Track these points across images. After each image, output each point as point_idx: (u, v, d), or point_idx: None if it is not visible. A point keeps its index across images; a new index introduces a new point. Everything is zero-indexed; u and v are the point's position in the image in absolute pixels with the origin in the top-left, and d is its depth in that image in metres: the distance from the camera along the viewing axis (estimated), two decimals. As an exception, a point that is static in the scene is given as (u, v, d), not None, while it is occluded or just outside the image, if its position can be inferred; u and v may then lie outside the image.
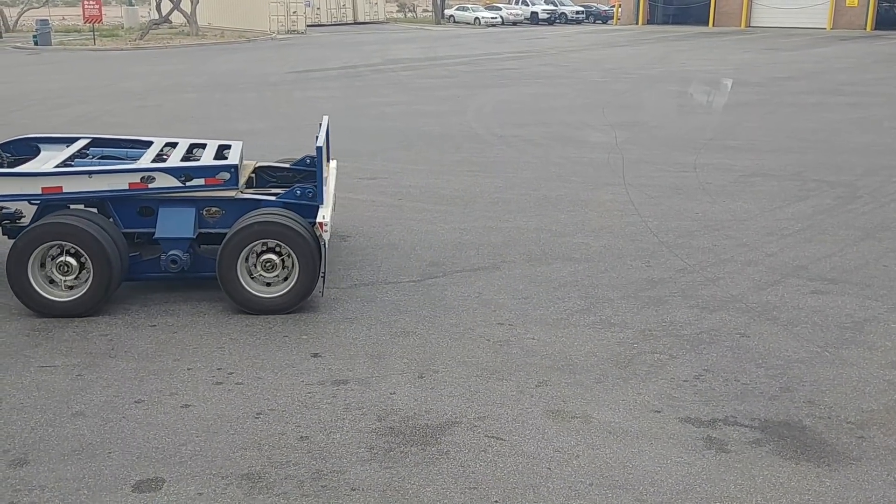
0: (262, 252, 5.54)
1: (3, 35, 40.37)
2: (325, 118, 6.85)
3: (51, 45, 34.36)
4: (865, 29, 40.81)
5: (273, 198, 6.05)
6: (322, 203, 5.83)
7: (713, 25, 45.78)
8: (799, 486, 3.57)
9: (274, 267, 5.55)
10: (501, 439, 3.95)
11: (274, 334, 5.21)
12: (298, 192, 6.04)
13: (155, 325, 5.36)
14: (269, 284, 5.59)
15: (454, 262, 6.60)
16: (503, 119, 14.31)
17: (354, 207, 8.35)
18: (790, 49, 30.39)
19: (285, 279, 5.58)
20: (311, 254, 5.48)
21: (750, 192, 8.89)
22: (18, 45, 35.31)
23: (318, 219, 5.57)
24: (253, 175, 6.77)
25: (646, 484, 3.58)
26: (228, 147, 6.66)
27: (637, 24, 49.54)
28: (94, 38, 36.04)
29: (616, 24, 50.82)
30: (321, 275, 5.58)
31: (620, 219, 7.85)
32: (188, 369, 4.72)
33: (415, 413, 4.21)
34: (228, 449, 3.87)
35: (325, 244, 5.57)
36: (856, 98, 16.66)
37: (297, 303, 5.56)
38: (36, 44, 34.14)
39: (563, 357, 4.87)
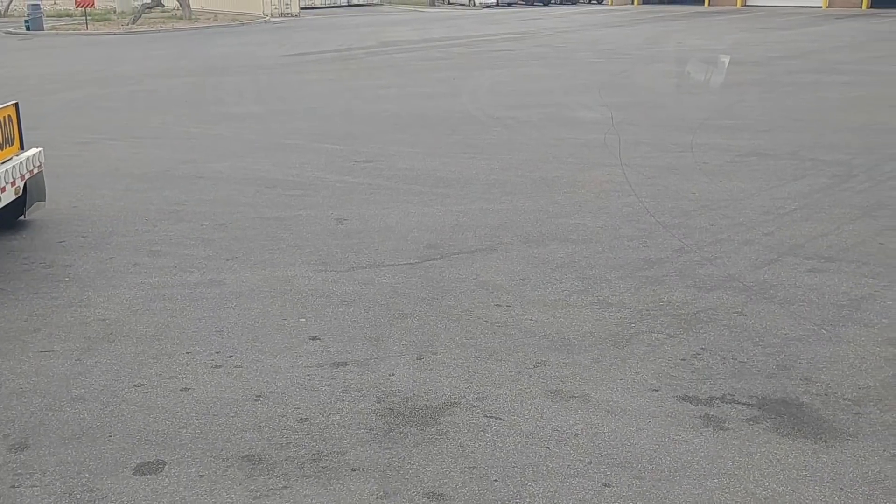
0: None
1: (-5, 20, 40.06)
2: None
3: (43, 30, 34.15)
4: (861, 7, 40.65)
5: None
6: None
7: (709, 5, 45.57)
8: (796, 463, 3.59)
9: None
10: (500, 419, 3.97)
11: (272, 318, 5.22)
12: None
13: (152, 310, 5.36)
14: None
15: (451, 245, 6.60)
16: (499, 101, 14.27)
17: (351, 191, 8.34)
18: (786, 28, 30.29)
19: None
20: None
21: (746, 171, 8.89)
22: (10, 30, 35.09)
23: None
24: None
25: (644, 462, 3.61)
26: None
27: (632, 4, 49.31)
28: (87, 23, 35.81)
29: (611, 5, 50.58)
30: None
31: (617, 199, 7.85)
32: (187, 353, 4.73)
33: (414, 394, 4.22)
34: (228, 431, 3.89)
35: None
36: (852, 77, 16.63)
37: None
38: (28, 29, 33.93)
39: (560, 337, 4.89)
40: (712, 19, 35.63)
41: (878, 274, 5.82)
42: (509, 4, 53.12)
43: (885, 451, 3.66)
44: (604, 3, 53.32)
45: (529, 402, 4.14)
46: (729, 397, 4.15)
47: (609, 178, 8.65)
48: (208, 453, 3.71)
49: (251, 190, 8.42)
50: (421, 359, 4.62)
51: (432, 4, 55.55)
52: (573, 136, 10.94)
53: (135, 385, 4.35)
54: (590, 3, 54.89)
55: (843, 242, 6.51)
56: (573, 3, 53.94)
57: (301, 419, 3.99)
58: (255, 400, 4.18)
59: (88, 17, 36.85)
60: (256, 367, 4.55)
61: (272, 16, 44.00)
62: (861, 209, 7.39)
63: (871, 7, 40.46)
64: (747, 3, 44.58)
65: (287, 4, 45.70)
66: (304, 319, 5.19)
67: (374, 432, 3.87)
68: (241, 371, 4.50)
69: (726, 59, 19.48)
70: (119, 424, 3.96)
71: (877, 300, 5.36)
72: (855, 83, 15.69)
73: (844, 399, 4.12)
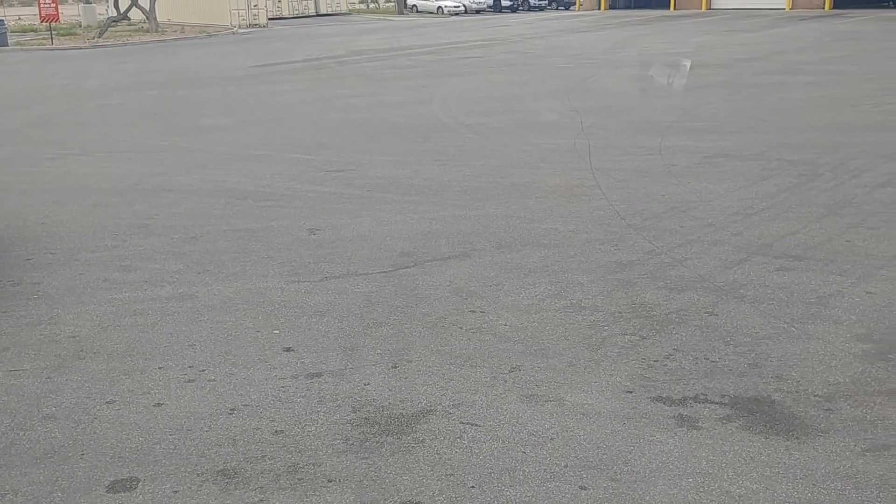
0: None
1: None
2: None
3: (7, 45, 33.75)
4: (824, 8, 41.30)
5: None
6: None
7: (674, 9, 46.06)
8: (769, 460, 3.63)
9: None
10: (476, 425, 3.98)
11: (245, 330, 5.19)
12: None
13: (123, 326, 5.31)
14: None
15: (425, 252, 6.60)
16: (469, 107, 14.31)
17: (323, 200, 8.32)
18: (750, 30, 30.68)
19: None
20: None
21: (714, 172, 8.98)
22: (-27, 46, 34.61)
23: None
24: None
25: (619, 463, 3.63)
26: None
27: (599, 9, 49.70)
28: (52, 38, 35.44)
29: (578, 10, 50.96)
30: None
31: (588, 203, 7.90)
32: (159, 368, 4.69)
33: (389, 403, 4.22)
34: (203, 446, 3.86)
35: None
36: (815, 77, 16.88)
37: None
38: (-9, 44, 33.50)
39: (535, 342, 4.91)
40: (678, 23, 36.02)
41: (846, 271, 5.91)
42: (477, 12, 53.34)
43: (856, 446, 3.71)
44: (571, 8, 53.70)
45: (505, 407, 4.15)
46: (702, 397, 4.19)
47: (580, 183, 8.70)
48: (182, 469, 3.68)
49: (222, 202, 8.37)
50: (396, 367, 4.61)
51: (400, 13, 55.65)
52: (544, 142, 10.99)
53: (107, 402, 4.30)
54: (557, 8, 55.26)
55: (811, 241, 6.60)
56: (540, 10, 54.28)
57: (276, 431, 3.97)
58: (230, 413, 4.15)
59: (53, 32, 36.47)
60: (230, 380, 4.52)
61: (240, 27, 43.83)
62: (827, 208, 7.49)
63: (834, 8, 41.13)
64: (712, 6, 45.13)
65: (255, 15, 45.56)
66: (277, 331, 5.17)
67: (350, 442, 3.86)
68: (214, 385, 4.47)
69: (688, 63, 19.70)
70: (91, 442, 3.91)
71: (845, 297, 5.44)
72: (819, 83, 15.92)
73: (815, 395, 4.17)
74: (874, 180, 8.39)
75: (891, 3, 40.74)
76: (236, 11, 45.10)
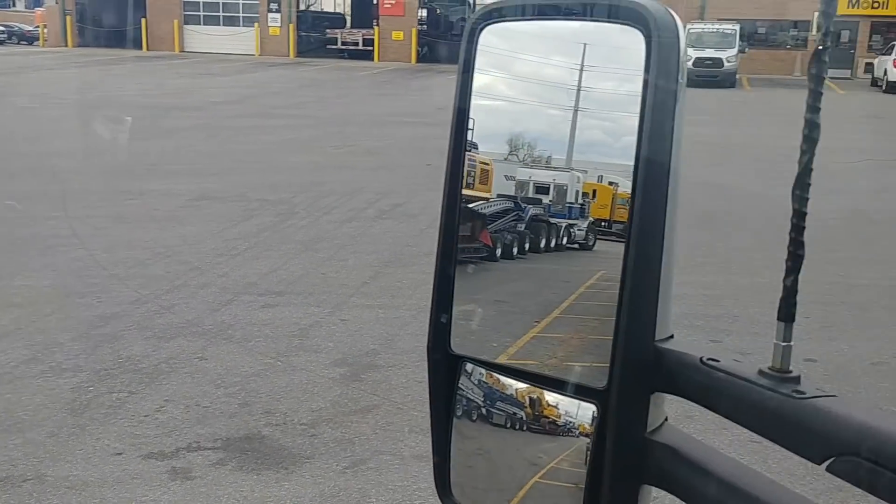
0: None
1: None
2: None
3: None
4: (289, 56, 44.62)
5: None
6: None
7: (148, 49, 45.53)
8: (261, 496, 3.76)
9: None
10: (-64, 528, 3.42)
11: None
12: None
13: None
14: None
15: None
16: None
17: None
18: (224, 74, 31.75)
19: None
20: None
21: (198, 215, 9.07)
22: None
23: None
24: None
25: (113, 533, 3.43)
26: None
27: (66, 45, 46.87)
28: None
29: (43, 46, 47.42)
30: None
31: (65, 254, 7.36)
32: None
33: None
34: None
35: None
36: (287, 120, 18.11)
37: None
38: None
39: (9, 416, 4.39)
40: (152, 64, 35.68)
41: (323, 302, 6.43)
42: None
43: (337, 465, 4.04)
44: (35, 43, 49.72)
45: (-28, 499, 3.64)
46: (195, 445, 4.17)
47: (54, 233, 8.06)
48: None
49: None
50: None
51: None
52: (9, 189, 9.95)
53: None
54: (19, 43, 50.70)
55: (291, 276, 7.05)
56: (1, 44, 49.28)
57: None
58: None
59: None
60: None
61: None
62: (304, 244, 8.08)
63: (298, 56, 44.70)
64: (185, 49, 45.67)
65: None
66: None
67: None
68: None
69: (128, 119, 19.68)
70: None
71: (323, 327, 5.91)
72: (289, 126, 17.12)
73: (301, 424, 4.45)
74: (342, 216, 9.29)
75: (345, 54, 45.69)
76: None
